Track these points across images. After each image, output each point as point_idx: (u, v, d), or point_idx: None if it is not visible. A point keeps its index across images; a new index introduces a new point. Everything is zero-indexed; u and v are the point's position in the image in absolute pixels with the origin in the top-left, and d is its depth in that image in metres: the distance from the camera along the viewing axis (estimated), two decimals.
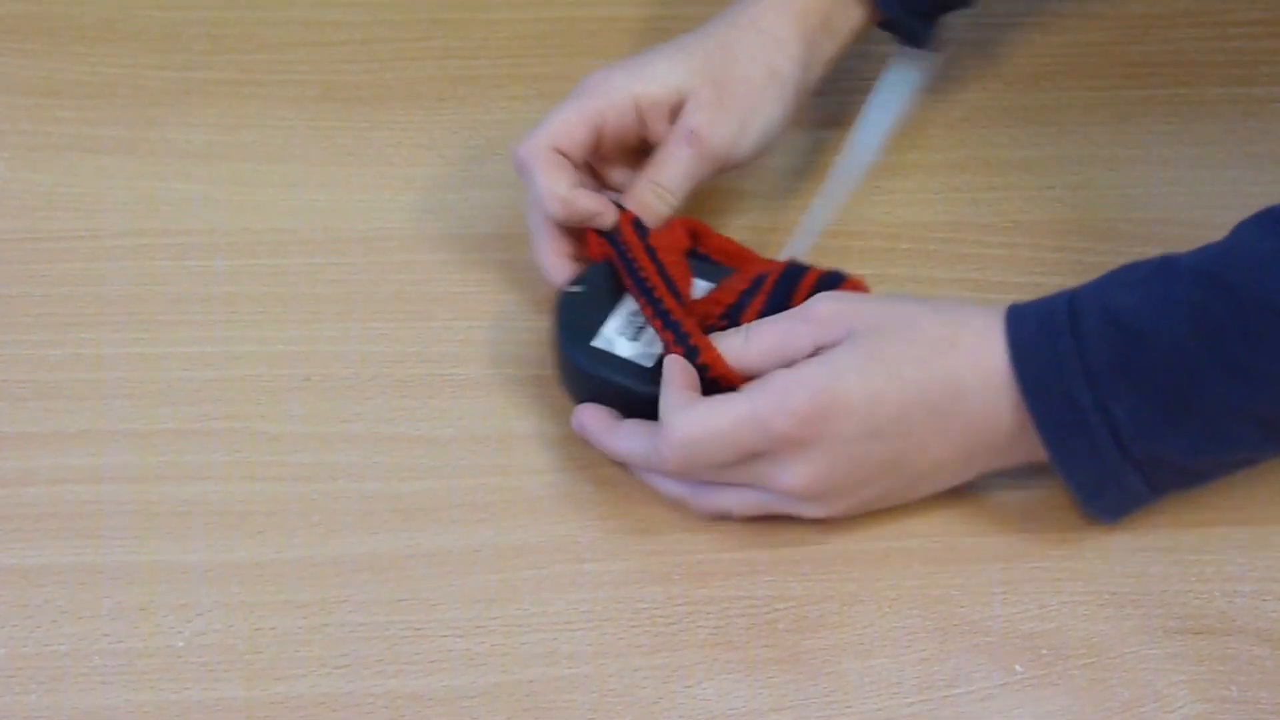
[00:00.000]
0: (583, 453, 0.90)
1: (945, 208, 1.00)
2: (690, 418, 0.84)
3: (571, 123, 0.92)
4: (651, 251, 0.91)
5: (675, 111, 0.94)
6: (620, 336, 0.90)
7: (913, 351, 0.84)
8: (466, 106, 1.04)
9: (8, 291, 0.95)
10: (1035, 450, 0.84)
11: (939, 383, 0.84)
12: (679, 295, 0.90)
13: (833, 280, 0.90)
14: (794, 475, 0.84)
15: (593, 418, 0.88)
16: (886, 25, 0.99)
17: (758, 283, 0.90)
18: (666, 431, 0.84)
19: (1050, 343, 0.83)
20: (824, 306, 0.86)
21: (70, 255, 0.96)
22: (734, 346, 0.86)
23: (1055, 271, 0.97)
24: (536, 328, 0.94)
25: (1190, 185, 1.02)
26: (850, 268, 0.97)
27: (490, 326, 0.94)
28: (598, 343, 0.89)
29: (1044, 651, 0.84)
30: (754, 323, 0.88)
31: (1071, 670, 0.84)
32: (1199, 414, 0.81)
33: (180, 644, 0.83)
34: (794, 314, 0.87)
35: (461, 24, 1.07)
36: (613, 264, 0.92)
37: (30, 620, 0.84)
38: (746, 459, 0.84)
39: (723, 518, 0.87)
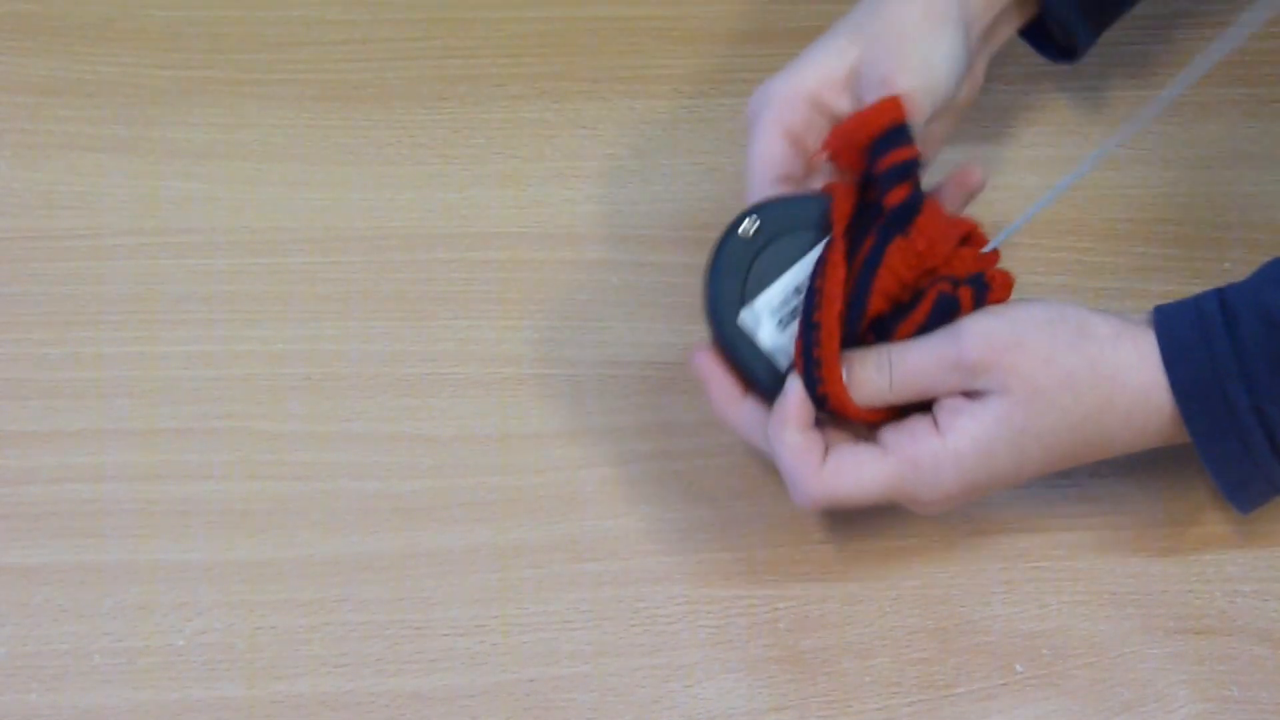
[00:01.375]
0: (583, 452, 0.90)
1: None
2: (829, 484, 0.81)
3: (770, 146, 0.87)
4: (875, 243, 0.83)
5: (853, 84, 0.88)
6: (771, 317, 0.83)
7: (1067, 420, 0.81)
8: (467, 106, 1.04)
9: (8, 290, 0.95)
10: (1172, 439, 0.82)
11: (1089, 444, 0.82)
12: (858, 309, 0.82)
13: (980, 289, 0.84)
14: (928, 513, 0.83)
15: (718, 385, 0.84)
16: (1040, 27, 0.95)
17: (916, 298, 0.84)
18: (803, 489, 0.81)
19: (1206, 343, 0.81)
20: (977, 350, 0.82)
21: (70, 254, 0.96)
22: (872, 382, 0.82)
23: (1056, 271, 0.97)
24: (537, 326, 0.94)
25: (1191, 185, 1.02)
26: None
27: (490, 326, 0.94)
28: (745, 316, 0.83)
29: (1044, 651, 0.84)
30: (897, 351, 0.83)
31: (1072, 670, 0.84)
32: None
33: (181, 643, 0.83)
34: (943, 353, 0.82)
35: (462, 23, 1.07)
36: (806, 203, 0.84)
37: (31, 619, 0.84)
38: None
39: (837, 507, 0.84)
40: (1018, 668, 0.84)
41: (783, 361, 0.82)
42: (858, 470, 0.81)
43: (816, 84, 0.87)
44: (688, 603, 0.85)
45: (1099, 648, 0.84)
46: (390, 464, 0.90)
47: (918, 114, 0.86)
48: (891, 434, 0.82)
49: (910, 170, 0.83)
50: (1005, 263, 0.98)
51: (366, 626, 0.84)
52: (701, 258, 0.97)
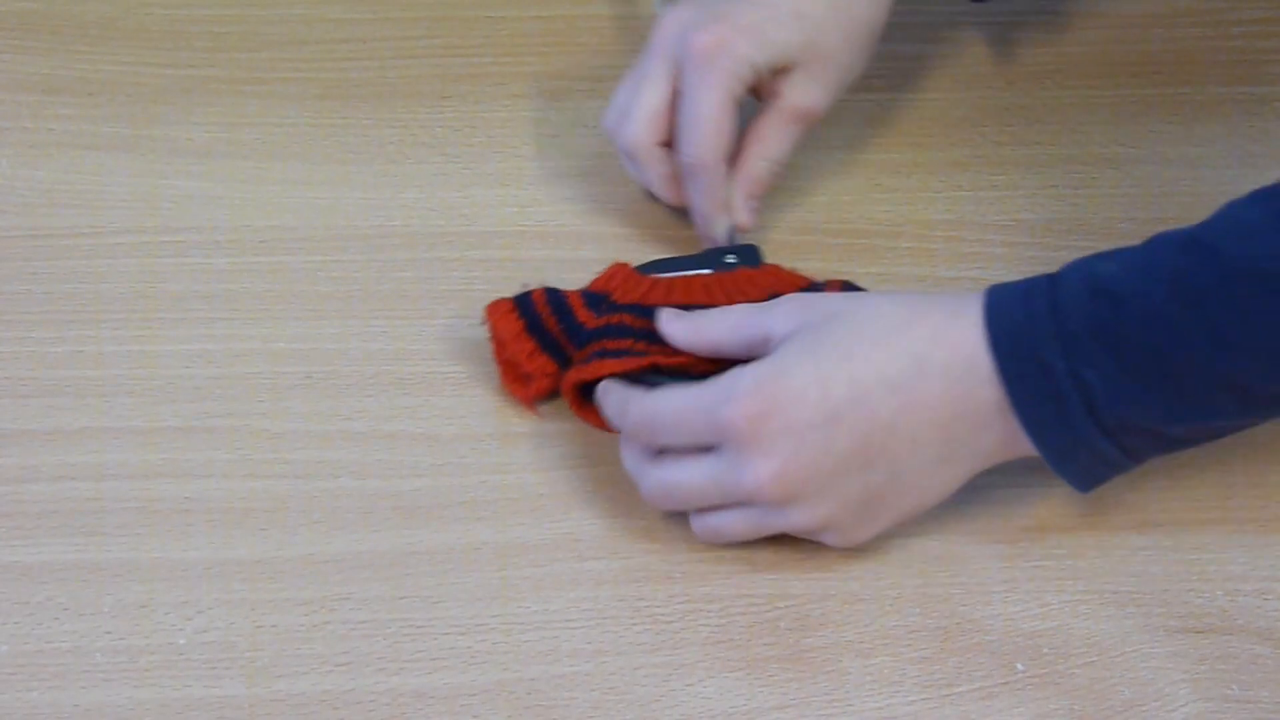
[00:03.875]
0: (584, 450, 0.90)
1: (947, 206, 1.00)
2: (648, 397, 0.85)
3: (726, 120, 0.92)
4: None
5: (781, 72, 0.93)
6: None
7: (866, 332, 0.83)
8: (468, 104, 1.04)
9: (9, 289, 0.95)
10: (1019, 432, 0.82)
11: (896, 358, 0.82)
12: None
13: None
14: (754, 471, 0.82)
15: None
16: None
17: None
18: (628, 407, 0.85)
19: (1025, 305, 0.81)
20: (783, 302, 0.86)
21: (72, 253, 0.96)
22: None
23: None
24: None
25: (1192, 185, 1.02)
26: (852, 266, 0.97)
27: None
28: None
29: (1045, 650, 0.84)
30: (713, 310, 0.87)
31: (1073, 669, 0.84)
32: (1175, 380, 0.79)
33: (182, 641, 0.83)
34: (751, 306, 0.87)
35: (463, 22, 1.07)
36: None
37: (32, 617, 0.84)
38: (702, 454, 0.84)
39: (723, 541, 0.86)
40: (1018, 666, 0.84)
41: None
42: (670, 389, 0.86)
43: (763, 61, 0.92)
44: (688, 601, 0.86)
45: (1100, 646, 0.84)
46: (391, 463, 0.90)
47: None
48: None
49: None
50: (1007, 261, 0.98)
51: (367, 625, 0.84)
52: None
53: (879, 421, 0.82)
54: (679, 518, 0.87)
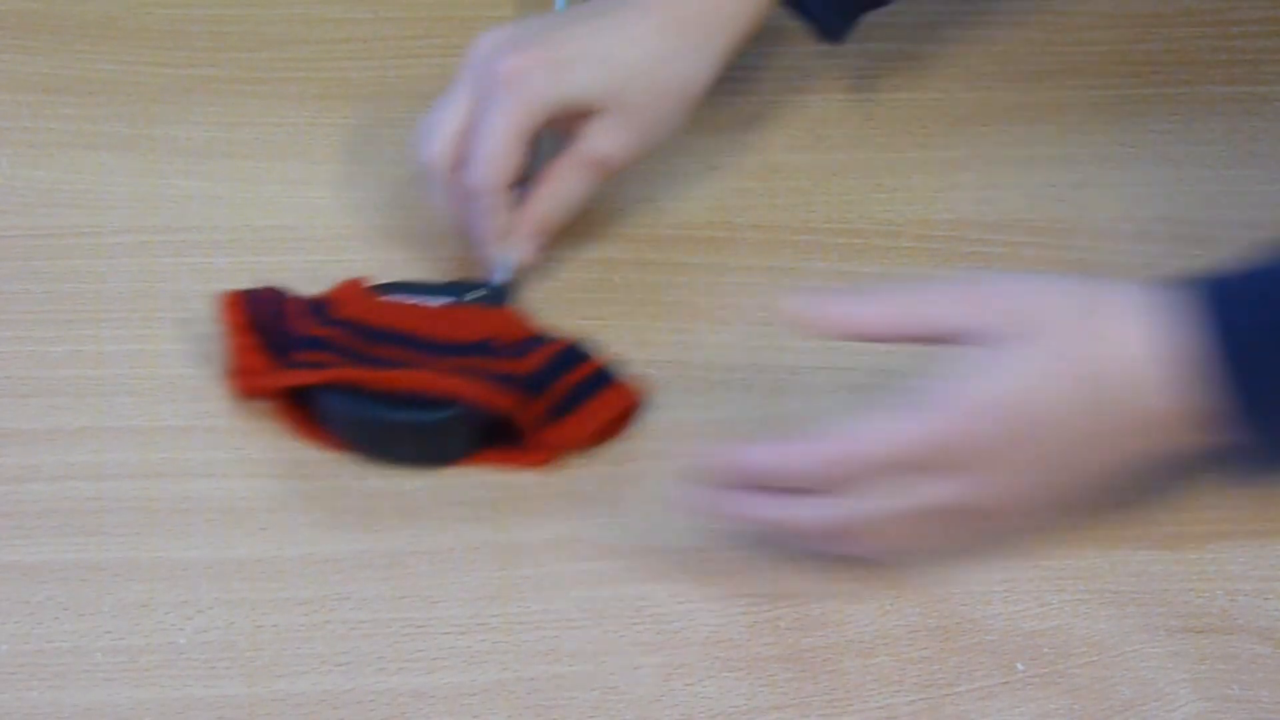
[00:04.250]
0: (584, 450, 0.90)
1: (947, 206, 1.00)
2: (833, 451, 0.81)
3: (512, 148, 0.90)
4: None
5: (584, 115, 0.91)
6: None
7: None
8: None
9: (9, 288, 0.95)
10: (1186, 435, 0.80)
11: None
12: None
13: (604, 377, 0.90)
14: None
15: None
16: (800, 17, 0.96)
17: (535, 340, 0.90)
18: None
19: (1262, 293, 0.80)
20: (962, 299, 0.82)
21: (72, 252, 0.96)
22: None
23: (1058, 271, 0.97)
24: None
25: (1193, 184, 1.02)
26: (851, 266, 0.97)
27: None
28: None
29: (1045, 650, 0.84)
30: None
31: (1073, 669, 0.84)
32: None
33: (182, 641, 0.83)
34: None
35: (464, 21, 1.07)
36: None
37: (32, 617, 0.84)
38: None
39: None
40: (1019, 666, 0.84)
41: None
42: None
43: (567, 98, 0.90)
44: (689, 601, 0.86)
45: (1100, 646, 0.84)
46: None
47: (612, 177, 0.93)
48: None
49: None
50: (1007, 260, 0.98)
51: (368, 625, 0.84)
52: (703, 256, 0.98)
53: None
54: (679, 516, 0.87)
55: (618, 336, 0.93)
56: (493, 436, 0.89)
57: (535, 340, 0.90)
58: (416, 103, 1.02)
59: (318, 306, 0.91)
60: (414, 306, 0.91)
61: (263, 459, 0.89)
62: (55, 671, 0.82)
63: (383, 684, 0.82)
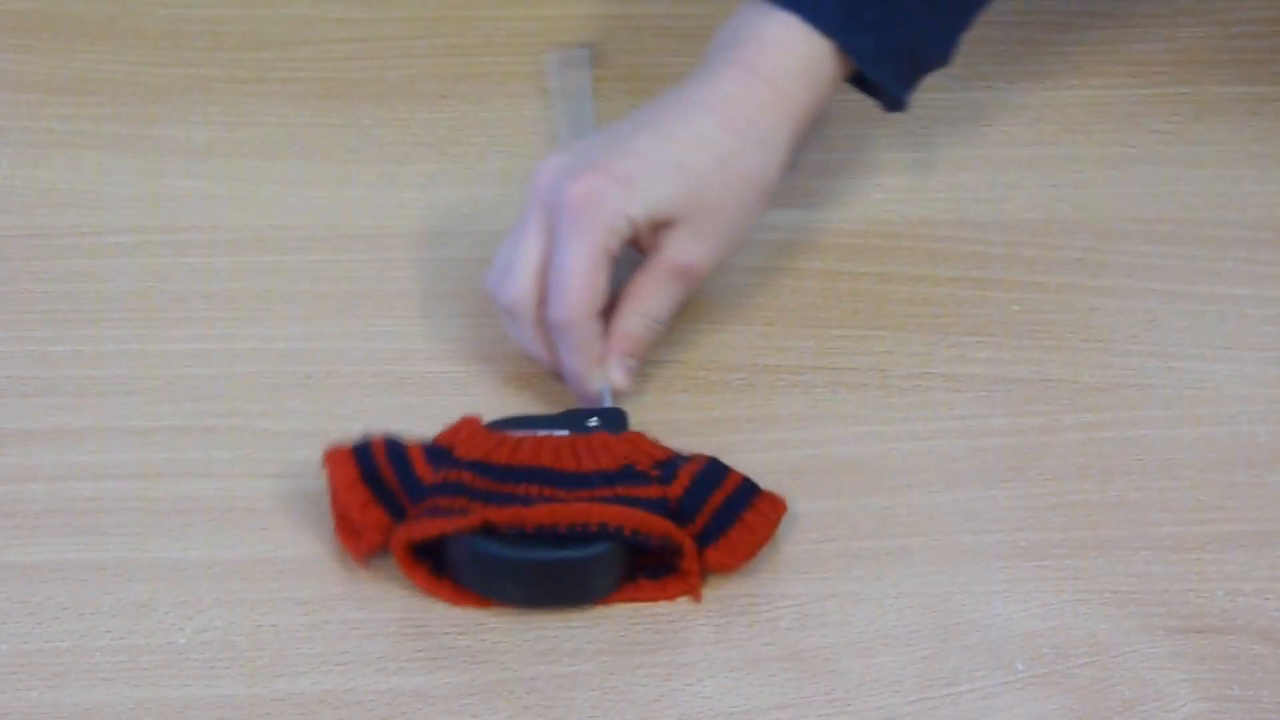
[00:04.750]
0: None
1: (948, 206, 1.00)
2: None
3: (596, 276, 0.87)
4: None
5: (662, 226, 0.88)
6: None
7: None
8: (469, 104, 1.04)
9: (10, 288, 0.95)
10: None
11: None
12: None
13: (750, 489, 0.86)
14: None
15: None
16: (864, 88, 0.95)
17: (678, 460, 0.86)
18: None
19: None
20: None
21: (72, 252, 0.96)
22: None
23: (1057, 271, 0.97)
24: None
25: (1193, 184, 1.02)
26: (852, 266, 0.97)
27: (492, 324, 0.94)
28: None
29: (1045, 650, 0.84)
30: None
31: (1073, 669, 0.84)
32: None
33: (182, 641, 0.83)
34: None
35: (464, 21, 1.07)
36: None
37: (32, 617, 0.84)
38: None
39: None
40: (1018, 666, 0.84)
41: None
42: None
43: (640, 215, 0.87)
44: (689, 601, 0.85)
45: (1100, 646, 0.84)
46: None
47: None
48: None
49: None
50: (1008, 260, 0.98)
51: (368, 624, 0.84)
52: None
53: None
54: None
55: None
56: (632, 568, 0.84)
57: (676, 460, 0.86)
58: (418, 101, 1.03)
59: (437, 453, 0.85)
60: (543, 439, 0.86)
61: (262, 460, 0.89)
62: (55, 671, 0.82)
63: (383, 684, 0.82)
